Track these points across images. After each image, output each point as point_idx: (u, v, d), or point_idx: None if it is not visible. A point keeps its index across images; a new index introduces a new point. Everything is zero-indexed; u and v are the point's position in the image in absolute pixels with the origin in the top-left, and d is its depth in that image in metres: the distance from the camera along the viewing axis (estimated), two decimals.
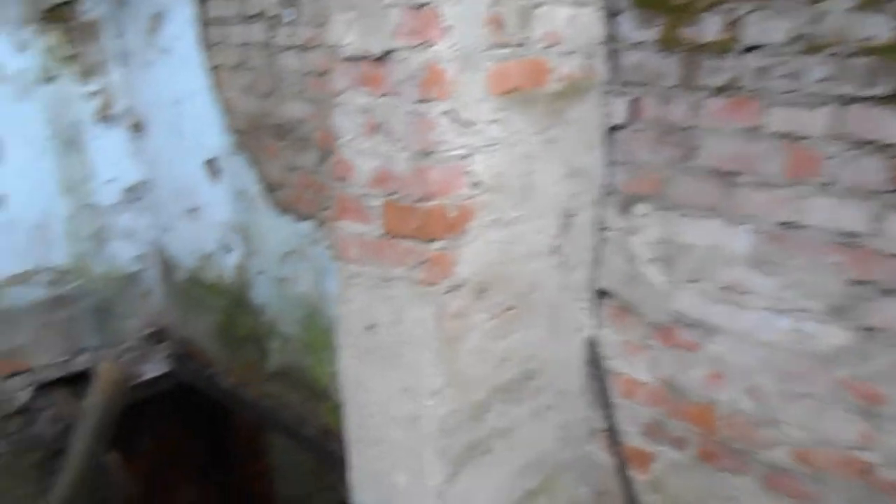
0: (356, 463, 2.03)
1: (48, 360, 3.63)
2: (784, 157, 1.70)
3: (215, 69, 3.23)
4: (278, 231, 3.19)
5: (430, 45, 1.55)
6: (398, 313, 1.77)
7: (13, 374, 3.52)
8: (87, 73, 3.54)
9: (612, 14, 1.93)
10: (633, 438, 2.21)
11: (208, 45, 3.23)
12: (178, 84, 3.42)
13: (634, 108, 1.96)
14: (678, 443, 2.10)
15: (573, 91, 1.90)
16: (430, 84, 1.57)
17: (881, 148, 1.56)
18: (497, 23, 1.65)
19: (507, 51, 1.69)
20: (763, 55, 1.68)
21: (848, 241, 1.65)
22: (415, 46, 1.56)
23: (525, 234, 1.88)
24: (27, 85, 3.37)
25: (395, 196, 1.68)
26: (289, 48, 2.86)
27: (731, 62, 1.73)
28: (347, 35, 1.68)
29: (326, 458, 3.25)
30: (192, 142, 3.46)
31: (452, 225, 1.68)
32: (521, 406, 2.04)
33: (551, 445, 2.21)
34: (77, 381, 3.72)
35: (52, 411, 3.67)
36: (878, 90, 1.53)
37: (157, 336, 4.06)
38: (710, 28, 1.75)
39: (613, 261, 2.12)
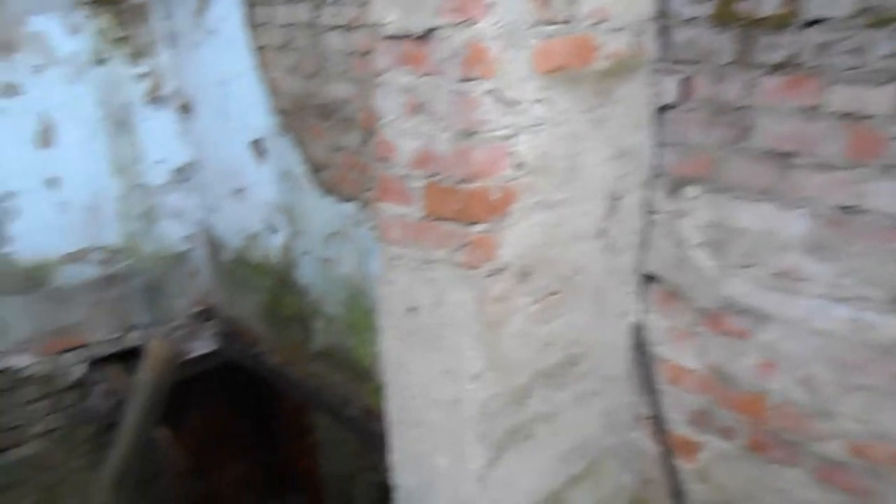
0: (397, 444, 2.03)
1: (101, 336, 3.73)
2: (845, 138, 1.61)
3: (261, 50, 3.24)
4: (322, 212, 3.20)
5: (473, 23, 1.51)
6: (439, 296, 1.75)
7: (68, 350, 3.63)
8: (137, 55, 3.59)
9: None
10: (680, 426, 2.16)
11: (254, 26, 3.24)
12: (224, 65, 3.45)
13: (685, 86, 1.89)
14: (726, 432, 2.04)
15: (621, 69, 1.84)
16: (472, 62, 1.53)
17: None
18: None
19: (552, 28, 1.64)
20: (825, 30, 1.59)
21: None
22: (457, 24, 1.52)
23: (570, 217, 1.84)
24: (79, 67, 3.44)
25: (437, 177, 1.65)
26: (333, 28, 2.85)
27: (789, 38, 1.65)
28: (389, 13, 1.65)
29: (369, 439, 3.27)
30: (238, 123, 3.49)
31: (495, 207, 1.64)
32: (564, 391, 2.01)
33: (595, 431, 2.18)
34: (128, 358, 3.82)
35: (104, 386, 3.78)
36: None
37: (205, 314, 4.13)
38: (767, 2, 1.67)
39: (661, 244, 2.06)
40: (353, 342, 3.29)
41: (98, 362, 3.74)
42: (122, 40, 3.54)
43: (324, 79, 2.99)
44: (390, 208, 1.80)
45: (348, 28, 2.78)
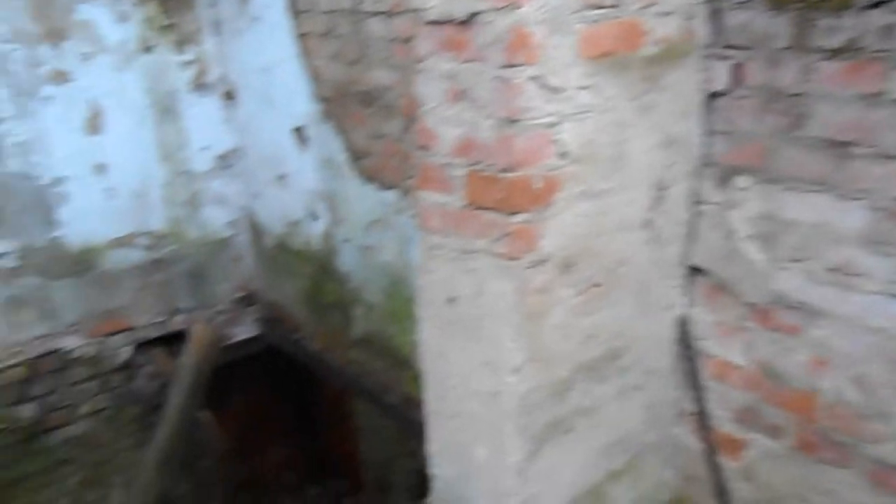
0: (435, 435, 2.02)
1: (146, 320, 3.80)
2: None
3: (303, 37, 3.24)
4: (364, 199, 3.19)
5: (517, 7, 1.47)
6: (479, 286, 1.72)
7: (115, 333, 3.71)
8: (183, 43, 3.63)
9: None
10: (725, 423, 2.10)
11: (297, 13, 3.24)
12: (267, 52, 3.46)
13: (737, 72, 1.83)
14: (774, 431, 1.98)
15: (670, 55, 1.78)
16: (516, 48, 1.49)
17: None
18: None
19: (599, 12, 1.59)
20: (889, 12, 1.51)
21: None
22: (500, 8, 1.49)
23: (615, 207, 1.80)
24: (127, 55, 3.49)
25: (479, 166, 1.62)
26: (375, 14, 2.83)
27: (850, 20, 1.57)
28: None
29: (408, 426, 3.28)
30: (281, 110, 3.50)
31: (538, 197, 1.61)
32: (606, 385, 1.97)
33: (637, 426, 2.14)
34: (173, 341, 3.89)
35: (150, 368, 3.86)
36: None
37: (247, 300, 4.18)
38: None
39: (709, 236, 2.00)
40: (393, 330, 3.29)
41: (143, 345, 3.82)
42: (168, 28, 3.57)
43: (366, 66, 2.98)
44: (431, 197, 1.78)
45: (390, 14, 2.76)
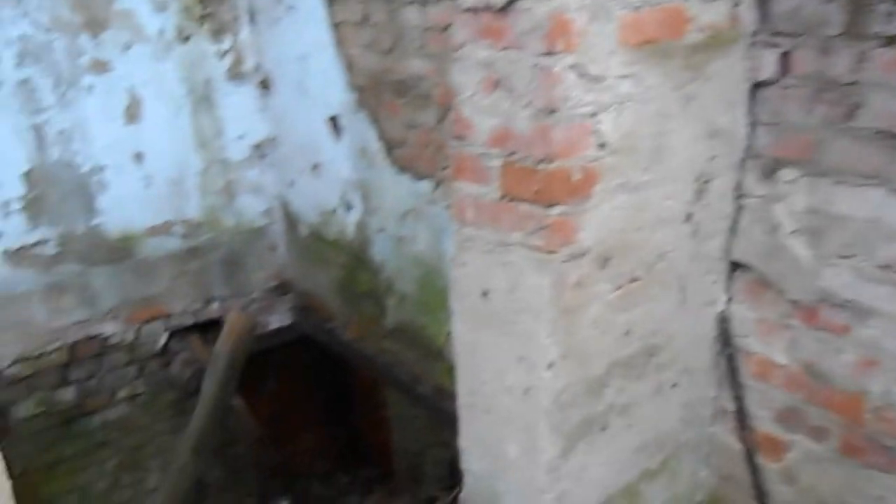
0: (467, 430, 2.00)
1: (182, 307, 3.84)
2: None
3: (338, 26, 3.22)
4: (397, 190, 3.18)
5: None
6: (514, 280, 1.69)
7: (152, 319, 3.76)
8: (219, 32, 3.64)
9: None
10: (765, 424, 2.04)
11: (332, 2, 3.22)
12: (303, 41, 3.45)
13: (786, 61, 1.76)
14: (817, 433, 1.92)
15: (715, 43, 1.72)
16: (555, 36, 1.45)
17: None
18: None
19: None
20: None
21: None
22: None
23: (655, 200, 1.74)
24: (165, 45, 3.51)
25: (515, 156, 1.59)
26: (410, 3, 2.79)
27: None
28: None
29: (440, 416, 3.26)
30: (316, 99, 3.50)
31: (576, 189, 1.57)
32: (642, 382, 1.93)
33: (673, 425, 2.09)
34: (208, 328, 3.93)
35: (185, 355, 3.90)
36: None
37: (282, 289, 4.20)
38: None
39: (752, 231, 1.94)
40: (426, 321, 3.27)
41: (179, 332, 3.86)
42: (205, 17, 3.59)
43: (400, 55, 2.95)
44: (465, 188, 1.75)
45: (425, 2, 2.73)
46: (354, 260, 3.64)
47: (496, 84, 1.59)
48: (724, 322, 2.07)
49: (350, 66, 3.23)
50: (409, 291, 3.33)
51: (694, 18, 1.65)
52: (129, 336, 3.72)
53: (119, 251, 3.60)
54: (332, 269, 3.83)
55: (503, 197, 1.65)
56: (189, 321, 3.89)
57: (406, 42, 2.89)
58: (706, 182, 1.86)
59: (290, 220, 4.03)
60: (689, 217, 1.86)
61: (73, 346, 3.57)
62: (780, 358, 1.96)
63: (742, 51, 1.79)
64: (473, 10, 1.58)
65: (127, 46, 3.41)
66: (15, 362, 3.43)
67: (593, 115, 1.54)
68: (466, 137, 1.70)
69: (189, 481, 3.74)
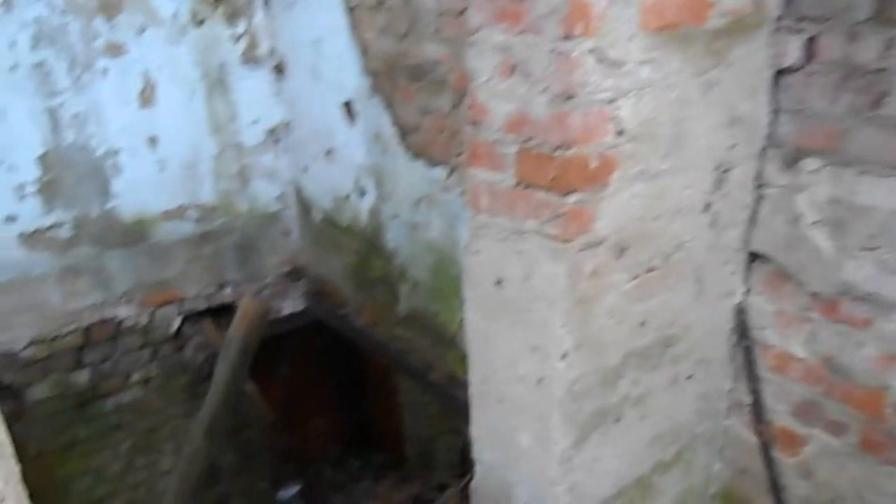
0: (478, 419, 1.98)
1: (195, 291, 3.84)
2: None
3: (353, 9, 3.19)
4: (411, 176, 3.15)
5: None
6: (529, 269, 1.66)
7: (166, 304, 3.76)
8: (233, 16, 3.61)
9: None
10: (782, 417, 2.02)
11: None
12: (317, 25, 3.42)
13: (811, 47, 1.71)
14: (835, 427, 1.89)
15: (738, 28, 1.68)
16: (574, 19, 1.41)
17: None
18: None
19: None
20: None
21: None
22: None
23: (673, 189, 1.71)
24: (180, 28, 3.49)
25: (532, 143, 1.56)
26: None
27: None
28: None
29: (452, 404, 3.25)
30: (330, 83, 3.47)
31: (593, 176, 1.54)
32: (657, 373, 1.90)
33: (688, 417, 2.06)
34: (221, 313, 3.93)
35: (198, 339, 3.91)
36: None
37: (295, 274, 4.20)
38: None
39: (772, 221, 1.90)
40: (439, 308, 3.26)
41: (192, 316, 3.87)
42: (219, 1, 3.56)
43: (416, 39, 2.91)
44: (480, 174, 1.72)
45: None
46: (368, 246, 3.62)
47: (512, 69, 1.56)
48: (741, 314, 2.03)
49: (364, 51, 3.20)
50: (423, 278, 3.31)
51: (716, 3, 1.60)
52: (143, 319, 3.73)
53: (133, 235, 3.60)
54: (346, 254, 3.81)
55: (518, 184, 1.62)
56: (202, 305, 3.89)
57: (421, 26, 2.85)
58: (726, 171, 1.82)
59: (304, 206, 4.02)
60: (707, 207, 1.82)
61: (88, 329, 3.58)
62: (799, 351, 1.93)
63: (765, 36, 1.74)
64: None
65: (141, 29, 3.39)
66: (30, 344, 3.45)
67: (612, 101, 1.51)
68: (482, 123, 1.67)
69: (202, 465, 3.76)
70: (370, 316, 3.79)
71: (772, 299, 1.97)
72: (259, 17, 3.68)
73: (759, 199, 1.90)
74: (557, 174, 1.53)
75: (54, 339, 3.50)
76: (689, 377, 2.01)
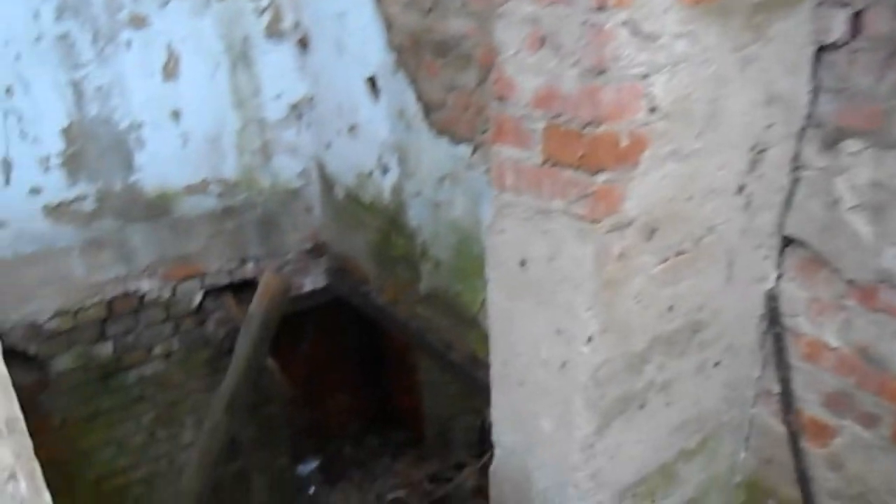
0: (499, 402, 1.95)
1: (217, 266, 3.83)
2: None
3: None
4: (435, 153, 3.10)
5: None
6: (555, 249, 1.62)
7: (188, 278, 3.77)
8: None
9: None
10: (812, 407, 1.96)
11: None
12: None
13: (857, 22, 1.63)
14: (868, 419, 1.83)
15: (780, 1, 1.60)
16: None
17: None
18: None
19: None
20: None
21: None
22: None
23: (706, 170, 1.65)
24: (203, 0, 3.45)
25: (560, 119, 1.50)
26: None
27: None
28: None
29: (471, 384, 3.23)
30: (355, 58, 3.42)
31: (623, 155, 1.48)
32: (684, 360, 1.85)
33: (714, 404, 2.01)
34: (243, 288, 3.93)
35: (220, 314, 3.92)
36: None
37: (317, 251, 4.18)
38: None
39: (809, 205, 1.83)
40: (461, 288, 3.22)
41: (214, 291, 3.87)
42: None
43: (441, 13, 2.85)
44: (506, 151, 1.67)
45: None
46: (390, 224, 3.59)
47: (542, 41, 1.50)
48: (772, 300, 1.97)
49: (389, 25, 3.14)
50: (445, 257, 3.27)
51: None
52: (166, 293, 3.74)
53: (156, 208, 3.60)
54: (368, 232, 3.79)
55: (545, 162, 1.57)
56: (224, 280, 3.89)
57: (447, 0, 2.78)
58: (762, 151, 1.75)
59: (326, 182, 3.99)
60: (741, 188, 1.75)
61: (111, 302, 3.60)
62: (832, 340, 1.86)
63: (808, 10, 1.66)
64: None
65: (165, 2, 3.36)
66: (54, 316, 3.47)
67: (645, 76, 1.44)
68: (508, 98, 1.61)
69: (222, 439, 3.79)
70: (392, 294, 3.76)
71: (805, 286, 1.90)
72: None
73: (796, 181, 1.83)
74: (586, 152, 1.47)
75: (78, 311, 3.52)
76: (717, 364, 1.95)
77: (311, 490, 5.14)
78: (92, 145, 3.37)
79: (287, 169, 3.93)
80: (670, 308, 1.74)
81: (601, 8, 1.36)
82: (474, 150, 2.86)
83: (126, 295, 3.63)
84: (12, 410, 1.06)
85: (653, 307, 1.70)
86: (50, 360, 3.52)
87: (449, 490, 4.92)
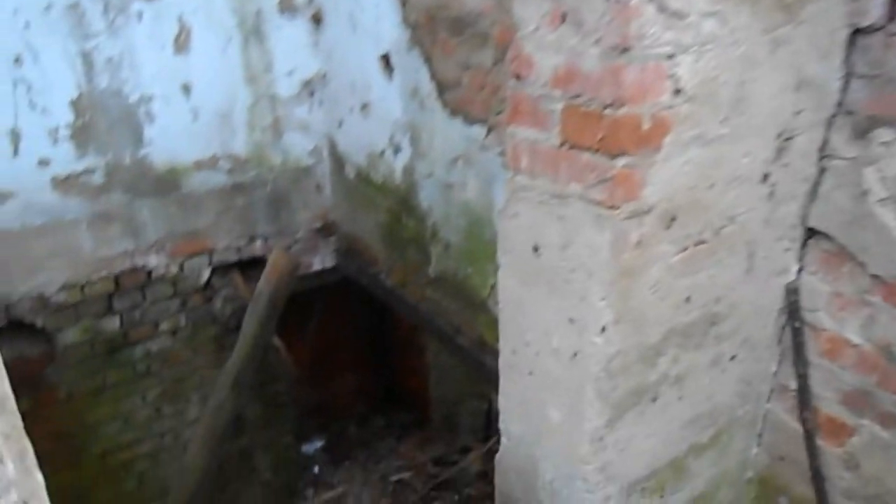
0: (507, 389, 1.90)
1: (226, 243, 3.80)
2: None
3: None
4: (448, 134, 3.04)
5: None
6: (570, 236, 1.56)
7: (196, 254, 3.74)
8: None
9: None
10: (829, 405, 1.90)
11: None
12: None
13: (895, 5, 1.55)
14: (887, 419, 1.77)
15: None
16: None
17: None
18: None
19: None
20: None
21: None
22: None
23: (731, 156, 1.58)
24: None
25: (580, 99, 1.44)
26: None
27: None
28: None
29: (479, 368, 3.19)
30: (369, 35, 3.35)
31: (645, 138, 1.41)
32: (699, 352, 1.79)
33: (728, 399, 1.96)
34: (251, 266, 3.90)
35: (227, 291, 3.89)
36: None
37: (326, 230, 4.14)
38: None
39: (835, 196, 1.76)
40: (470, 271, 3.17)
41: (222, 268, 3.84)
42: None
43: None
44: (522, 132, 1.61)
45: None
46: (400, 204, 3.53)
47: (563, 18, 1.43)
48: (793, 293, 1.91)
49: (404, 1, 3.07)
50: (455, 240, 3.22)
51: None
52: (173, 269, 3.71)
53: (165, 183, 3.56)
54: (378, 212, 3.74)
55: (563, 144, 1.51)
56: (233, 258, 3.86)
57: None
58: (788, 139, 1.68)
59: (337, 161, 3.94)
60: (766, 177, 1.69)
61: (119, 276, 3.58)
62: (854, 336, 1.80)
63: None
64: None
65: None
66: (62, 289, 3.45)
67: (671, 56, 1.38)
68: (526, 77, 1.55)
69: (227, 417, 3.77)
70: (400, 276, 3.72)
71: (828, 280, 1.84)
72: None
73: (823, 171, 1.77)
74: (606, 135, 1.41)
75: (85, 284, 3.50)
76: (733, 358, 1.90)
77: (316, 469, 5.14)
78: (101, 118, 3.32)
79: (298, 146, 3.88)
80: (687, 299, 1.68)
81: None
82: (488, 132, 2.80)
83: (134, 270, 3.61)
84: (2, 389, 1.02)
85: (669, 298, 1.64)
86: (57, 333, 3.50)
87: (453, 473, 4.91)
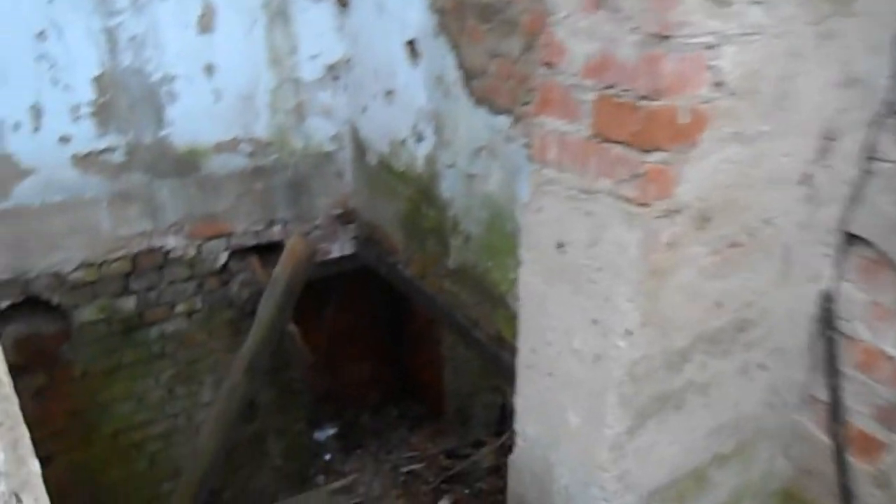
0: (524, 390, 1.84)
1: (244, 227, 3.77)
2: None
3: None
4: (472, 123, 2.97)
5: None
6: (597, 233, 1.49)
7: (214, 237, 3.71)
8: None
9: None
10: (862, 420, 1.82)
11: None
12: None
13: None
14: None
15: None
16: None
17: None
18: None
19: None
20: None
21: None
22: None
23: (770, 155, 1.50)
24: None
25: (614, 89, 1.36)
26: None
27: None
28: None
29: (495, 363, 3.13)
30: (395, 20, 3.28)
31: (681, 133, 1.34)
32: (727, 360, 1.72)
33: (754, 409, 1.88)
34: (269, 250, 3.86)
35: (244, 276, 3.86)
36: None
37: (346, 217, 4.09)
38: None
39: (879, 201, 1.67)
40: (490, 265, 3.10)
41: (239, 252, 3.81)
42: None
43: None
44: (550, 123, 1.53)
45: None
46: (421, 194, 3.47)
47: (598, 3, 1.36)
48: (828, 301, 1.82)
49: None
50: (476, 232, 3.16)
51: None
52: (191, 251, 3.68)
53: (185, 164, 3.53)
54: (399, 201, 3.68)
55: (594, 136, 1.43)
56: (251, 242, 3.83)
57: None
58: (832, 139, 1.59)
59: (359, 148, 3.88)
60: (806, 178, 1.60)
61: (136, 257, 3.56)
62: (891, 349, 1.71)
63: None
64: None
65: None
66: (79, 267, 3.44)
67: (712, 46, 1.30)
68: (557, 65, 1.48)
69: (240, 401, 3.76)
70: (419, 266, 3.66)
71: (866, 288, 1.75)
72: None
73: (867, 174, 1.67)
74: (640, 128, 1.33)
75: (102, 263, 3.48)
76: (761, 366, 1.82)
77: (327, 456, 5.12)
78: (123, 96, 3.29)
79: (320, 131, 3.83)
80: (717, 304, 1.60)
81: None
82: (514, 122, 2.72)
83: (151, 250, 3.59)
84: None
85: (699, 302, 1.57)
86: (73, 310, 3.49)
87: (465, 467, 4.86)
